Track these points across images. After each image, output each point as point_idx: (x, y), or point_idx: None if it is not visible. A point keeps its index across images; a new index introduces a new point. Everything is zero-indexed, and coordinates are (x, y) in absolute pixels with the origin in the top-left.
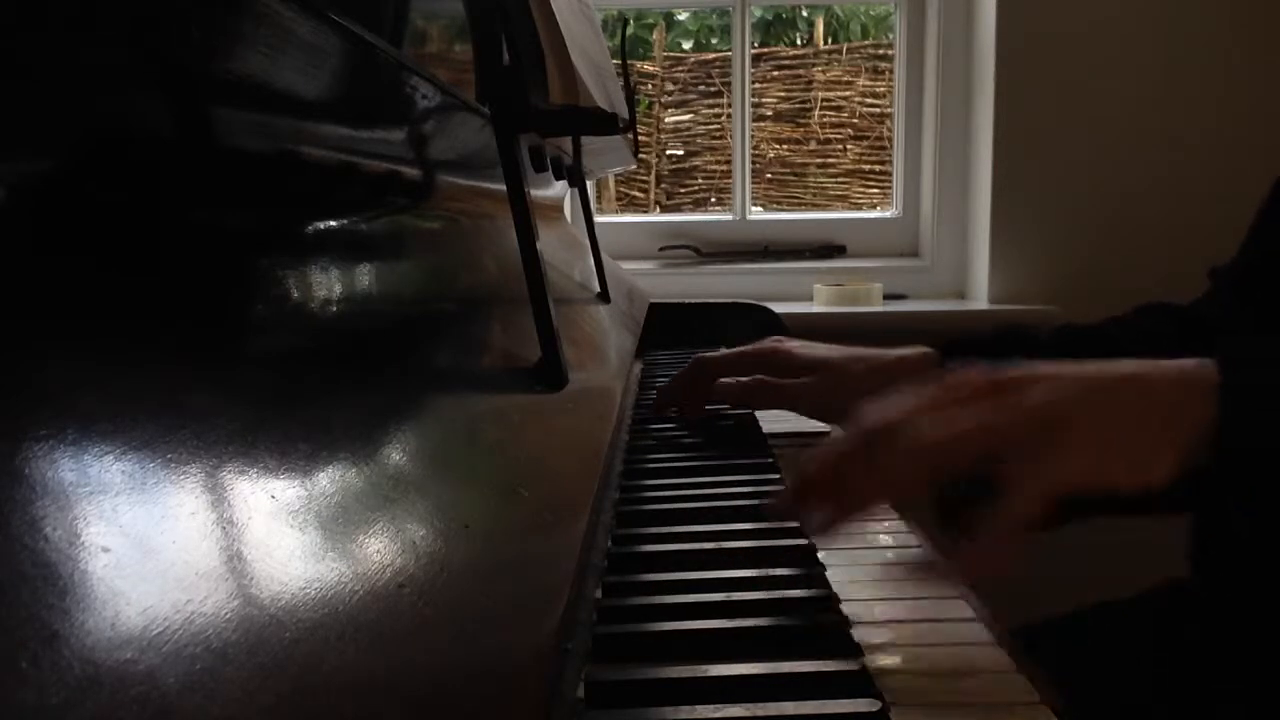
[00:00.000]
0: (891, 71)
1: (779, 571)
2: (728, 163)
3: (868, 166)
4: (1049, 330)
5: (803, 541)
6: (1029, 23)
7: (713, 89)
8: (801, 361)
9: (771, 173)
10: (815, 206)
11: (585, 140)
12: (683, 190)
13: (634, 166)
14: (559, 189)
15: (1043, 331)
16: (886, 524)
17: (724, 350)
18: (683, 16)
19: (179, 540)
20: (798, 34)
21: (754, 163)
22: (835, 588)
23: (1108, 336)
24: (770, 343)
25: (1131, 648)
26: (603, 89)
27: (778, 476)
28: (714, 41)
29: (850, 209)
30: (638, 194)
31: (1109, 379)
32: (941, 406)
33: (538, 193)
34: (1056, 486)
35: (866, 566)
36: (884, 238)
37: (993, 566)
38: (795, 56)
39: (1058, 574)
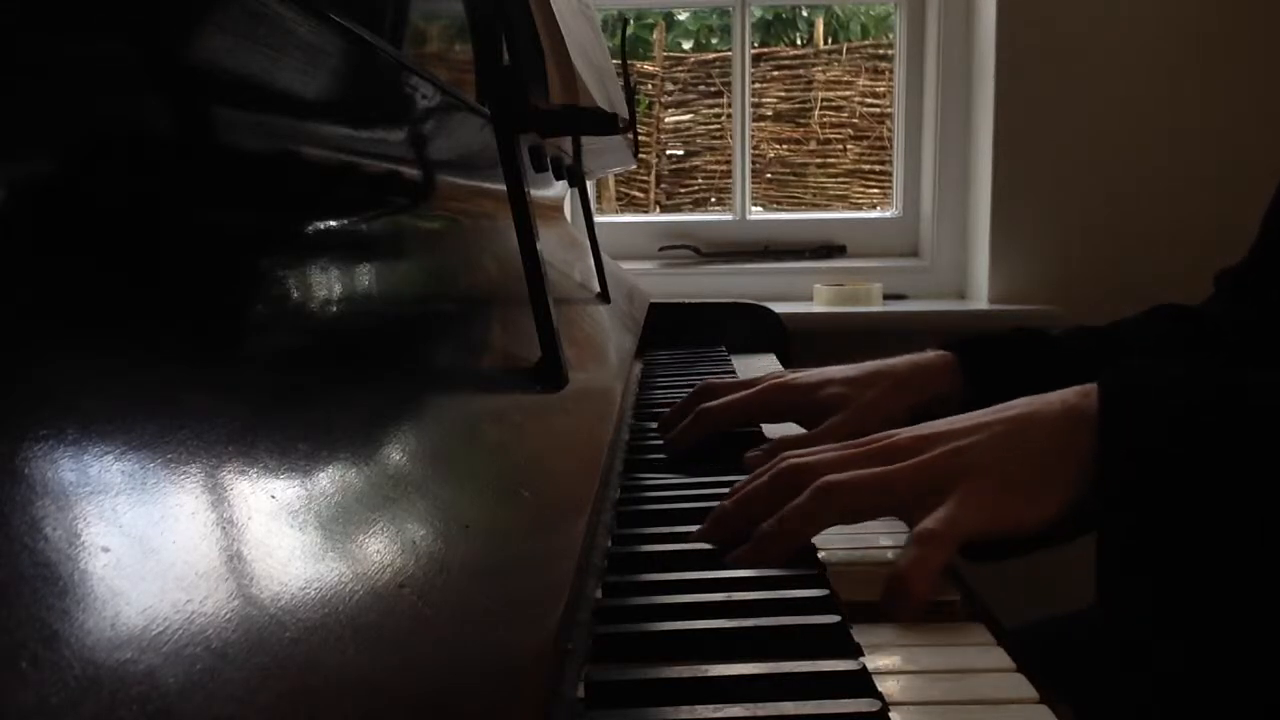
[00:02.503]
0: (891, 71)
1: (779, 572)
2: (728, 163)
3: (868, 166)
4: (1062, 332)
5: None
6: (1029, 23)
7: (713, 89)
8: (817, 400)
9: (771, 173)
10: (815, 206)
11: (585, 140)
12: (683, 190)
13: (634, 166)
14: (559, 189)
15: (1055, 333)
16: (886, 525)
17: (727, 399)
18: (683, 16)
19: (179, 540)
20: (798, 34)
21: (754, 163)
22: (836, 588)
23: (1119, 338)
24: (774, 383)
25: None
26: (603, 89)
27: None
28: (714, 41)
29: (850, 209)
30: (638, 194)
31: (999, 425)
32: (851, 459)
33: (538, 193)
34: (958, 534)
35: (866, 567)
36: (884, 238)
37: (909, 606)
38: (795, 56)
39: (1058, 574)
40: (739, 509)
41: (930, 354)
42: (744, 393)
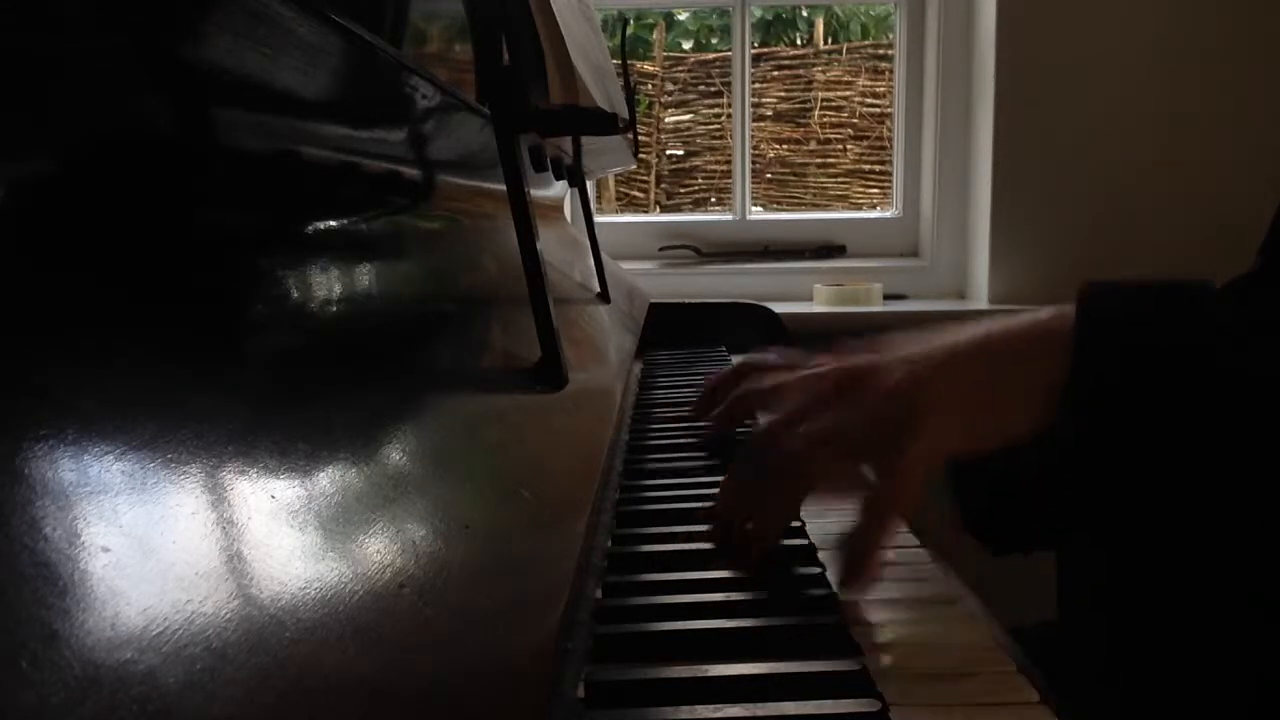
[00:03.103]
0: (891, 71)
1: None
2: (728, 163)
3: (868, 166)
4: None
5: (803, 542)
6: (1029, 23)
7: (713, 89)
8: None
9: (771, 173)
10: (815, 206)
11: (585, 140)
12: (683, 190)
13: (634, 166)
14: (559, 189)
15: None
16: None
17: (771, 380)
18: (683, 16)
19: (179, 540)
20: (798, 34)
21: (754, 163)
22: (835, 587)
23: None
24: (833, 369)
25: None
26: (603, 89)
27: None
28: (714, 41)
29: (850, 209)
30: (638, 194)
31: (958, 349)
32: (803, 415)
33: (538, 193)
34: (927, 459)
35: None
36: (884, 238)
37: (868, 576)
38: (795, 56)
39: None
40: (729, 501)
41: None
42: (789, 377)
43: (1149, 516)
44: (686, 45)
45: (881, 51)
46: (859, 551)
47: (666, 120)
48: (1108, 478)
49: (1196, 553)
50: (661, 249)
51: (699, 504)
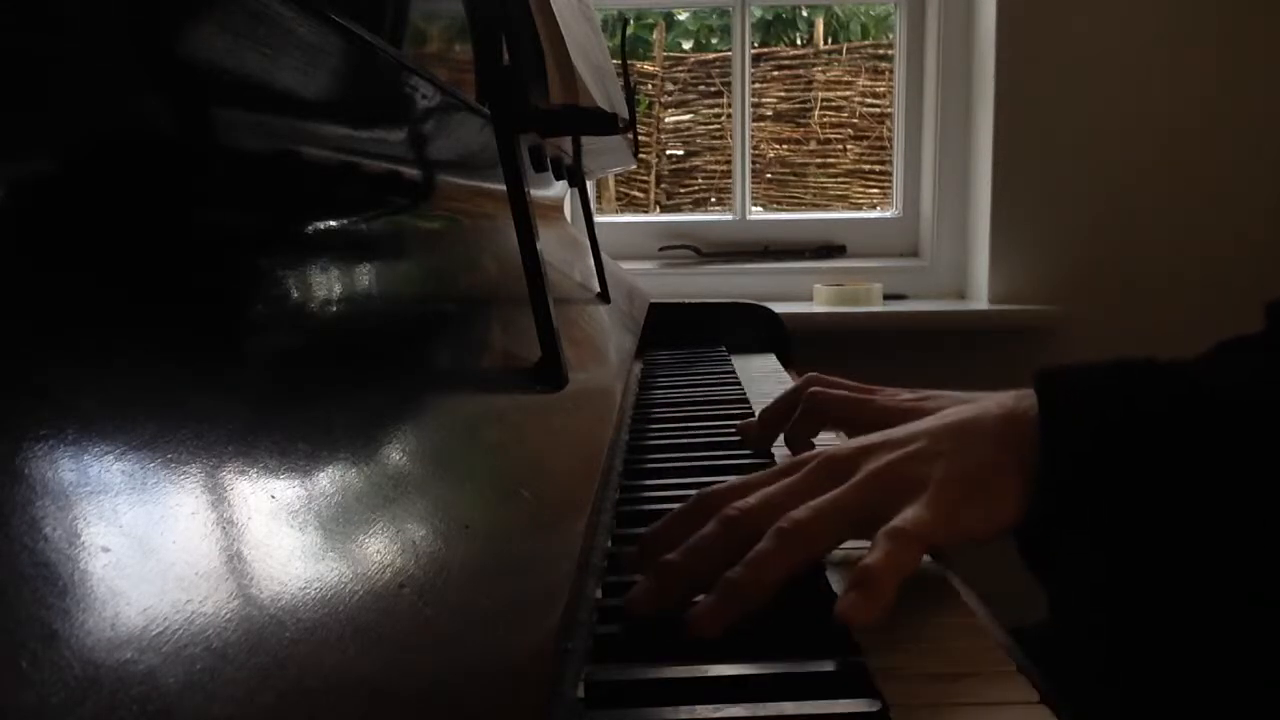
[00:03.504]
0: (891, 71)
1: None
2: (728, 163)
3: (868, 166)
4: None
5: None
6: (1029, 22)
7: (713, 89)
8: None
9: (771, 173)
10: (815, 206)
11: (585, 140)
12: (683, 190)
13: (634, 166)
14: (559, 189)
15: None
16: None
17: (841, 393)
18: (683, 16)
19: (179, 540)
20: (798, 34)
21: (754, 163)
22: (835, 588)
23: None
24: (888, 399)
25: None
26: (603, 89)
27: None
28: (714, 41)
29: (850, 209)
30: (638, 194)
31: (944, 433)
32: (794, 489)
33: (538, 193)
34: (926, 536)
35: None
36: (884, 238)
37: (876, 609)
38: (795, 56)
39: None
40: (690, 560)
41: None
42: (860, 395)
43: (1147, 537)
44: (686, 45)
45: (881, 51)
46: (877, 578)
47: (666, 120)
48: (1098, 541)
49: (1195, 556)
50: (661, 249)
51: None
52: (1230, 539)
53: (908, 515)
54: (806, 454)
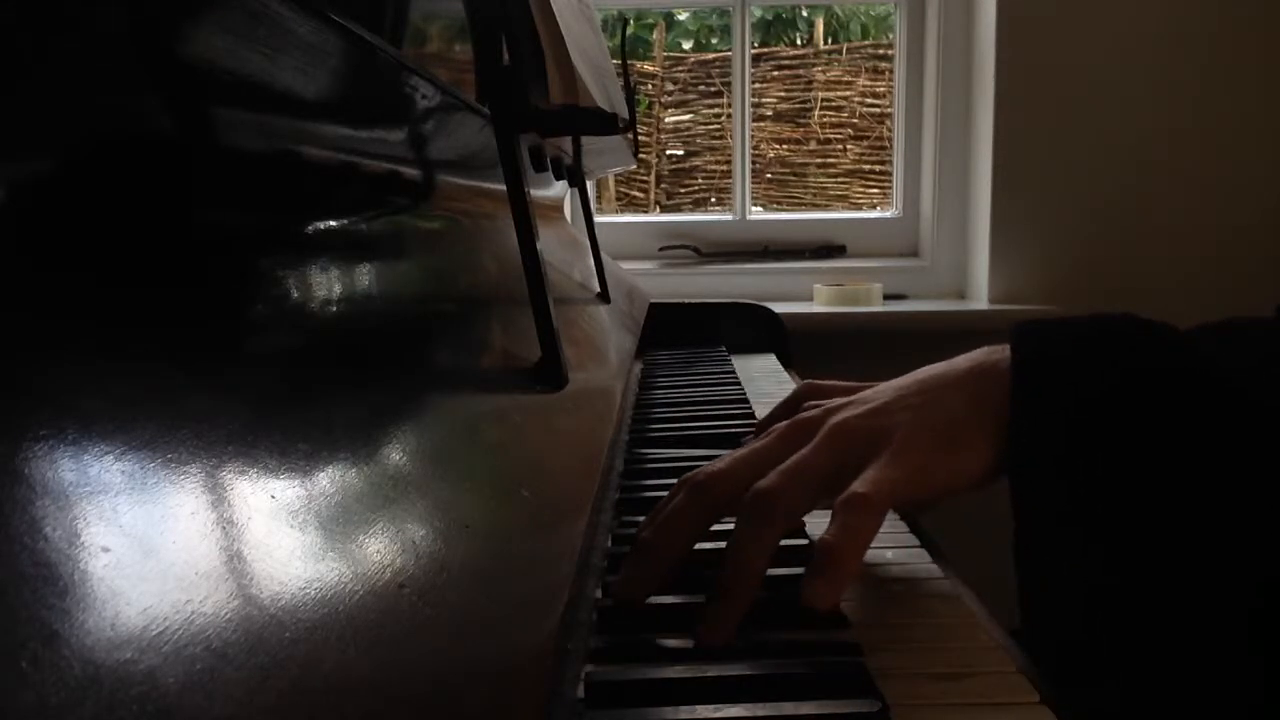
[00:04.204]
0: (891, 71)
1: (778, 571)
2: (728, 163)
3: (868, 166)
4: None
5: (802, 541)
6: (1029, 23)
7: (713, 89)
8: None
9: (771, 173)
10: (815, 206)
11: (585, 140)
12: (683, 190)
13: (634, 166)
14: (559, 189)
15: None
16: (886, 524)
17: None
18: (683, 16)
19: (179, 540)
20: (798, 34)
21: (754, 163)
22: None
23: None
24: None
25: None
26: (603, 89)
27: None
28: (714, 41)
29: (850, 209)
30: (638, 194)
31: (911, 389)
32: (762, 452)
33: (538, 193)
34: (887, 497)
35: (866, 566)
36: (884, 238)
37: (840, 583)
38: (795, 56)
39: None
40: (662, 536)
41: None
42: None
43: (1130, 527)
44: (686, 45)
45: (881, 51)
46: (837, 556)
47: (666, 120)
48: (1073, 504)
49: (1192, 554)
50: (661, 249)
51: None
52: (1222, 517)
53: (867, 477)
54: (779, 422)
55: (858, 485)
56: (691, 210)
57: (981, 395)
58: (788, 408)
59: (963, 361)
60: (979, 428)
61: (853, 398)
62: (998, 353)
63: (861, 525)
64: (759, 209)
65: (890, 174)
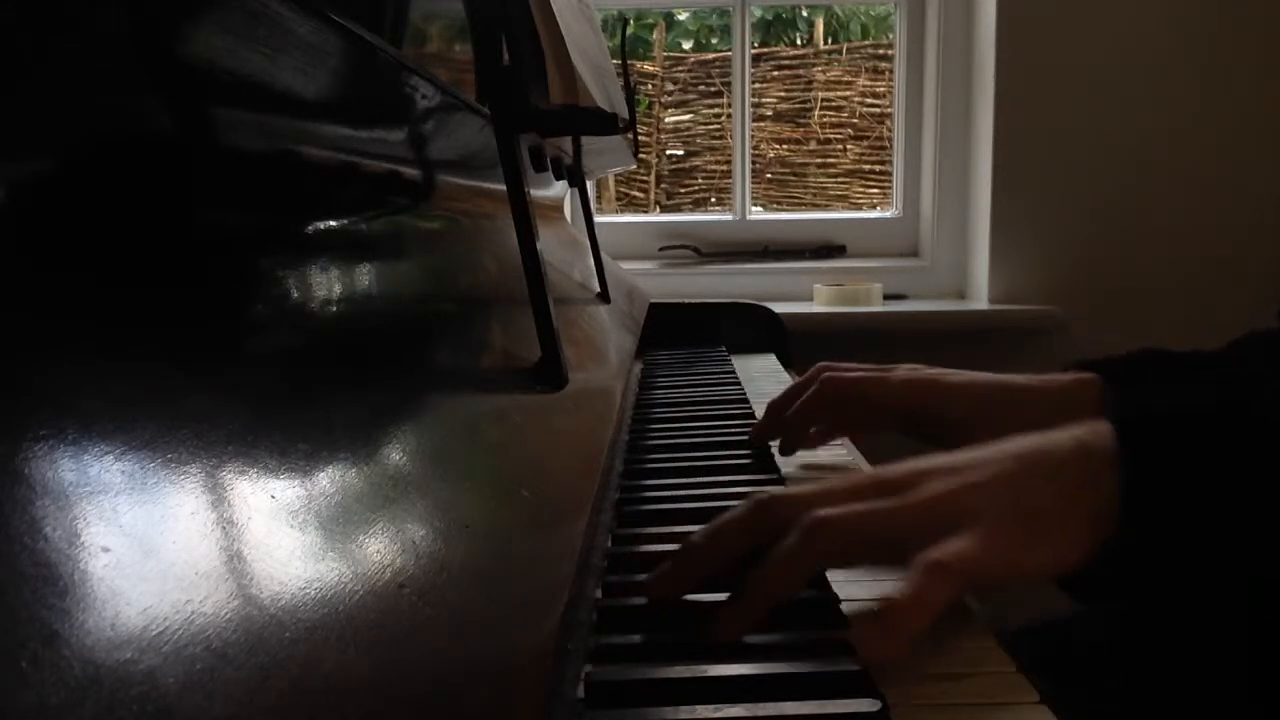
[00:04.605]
0: (891, 71)
1: None
2: (728, 163)
3: (868, 166)
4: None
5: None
6: (1029, 23)
7: (713, 89)
8: (958, 410)
9: (771, 173)
10: (815, 206)
11: (585, 140)
12: (683, 190)
13: (634, 166)
14: (559, 189)
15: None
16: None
17: (855, 372)
18: (683, 16)
19: (179, 540)
20: (798, 34)
21: (754, 163)
22: (835, 588)
23: (1236, 370)
24: (910, 370)
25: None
26: (603, 89)
27: (777, 476)
28: (714, 41)
29: (850, 209)
30: (638, 194)
31: (1009, 463)
32: (838, 493)
33: (538, 193)
34: (968, 571)
35: (867, 568)
36: (884, 238)
37: (898, 643)
38: (795, 56)
39: None
40: (712, 543)
41: (1071, 375)
42: (878, 372)
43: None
44: (686, 45)
45: (881, 51)
46: (901, 613)
47: (666, 120)
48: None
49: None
50: (661, 249)
51: (699, 504)
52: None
53: (950, 547)
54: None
55: (940, 553)
56: (691, 210)
57: (1081, 481)
58: (804, 385)
59: (1066, 441)
60: (1074, 518)
61: (946, 463)
62: (1101, 435)
63: (935, 592)
64: (759, 209)
65: (890, 174)
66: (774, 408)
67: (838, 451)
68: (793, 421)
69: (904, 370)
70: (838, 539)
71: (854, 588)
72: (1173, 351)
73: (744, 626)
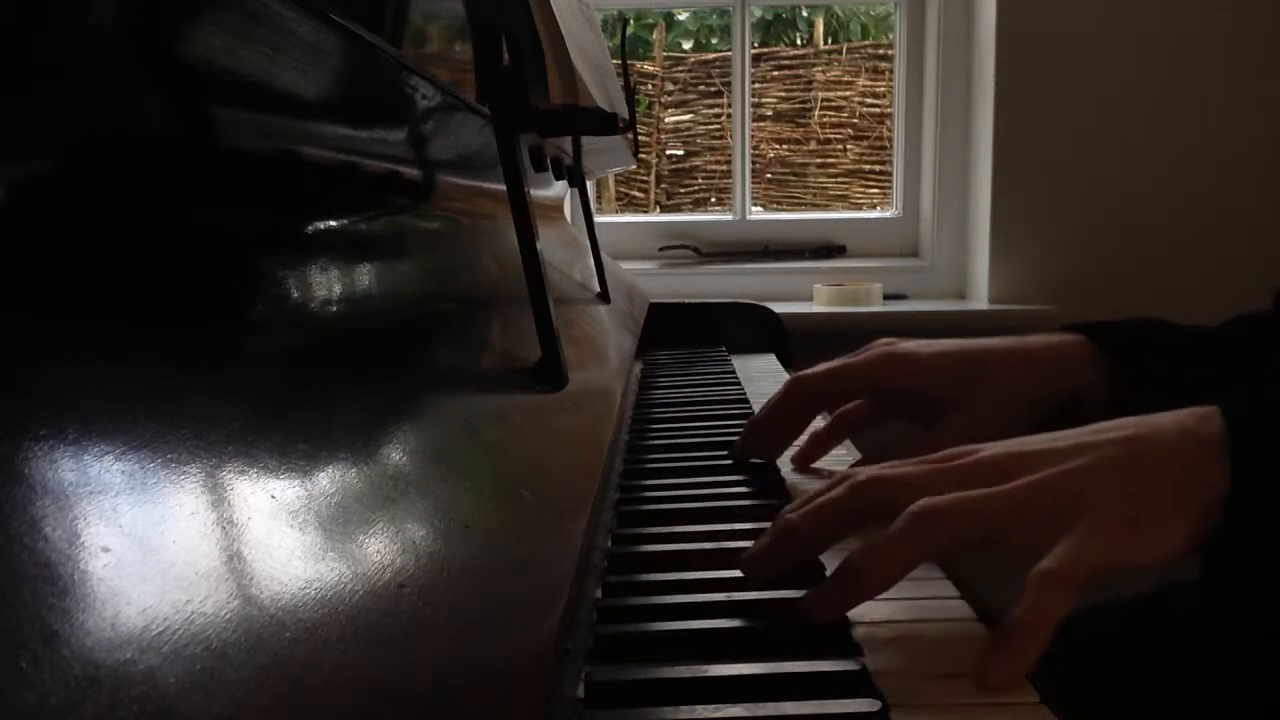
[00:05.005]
0: (891, 71)
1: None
2: (728, 163)
3: (868, 166)
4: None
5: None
6: (1029, 23)
7: (713, 89)
8: (935, 377)
9: (771, 173)
10: (815, 206)
11: (585, 140)
12: (683, 190)
13: (634, 166)
14: (559, 189)
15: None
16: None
17: (823, 366)
18: (683, 16)
19: (179, 540)
20: (798, 34)
21: (754, 163)
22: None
23: (1232, 340)
24: (880, 349)
25: (1133, 647)
26: (603, 89)
27: (779, 476)
28: (714, 41)
29: (850, 209)
30: (638, 194)
31: (1112, 448)
32: (937, 476)
33: (538, 193)
34: (1082, 575)
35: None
36: (884, 238)
37: (1024, 663)
38: (795, 56)
39: None
40: (809, 524)
41: (1056, 336)
42: (846, 360)
43: None
44: (686, 45)
45: (881, 51)
46: (1028, 633)
47: (666, 120)
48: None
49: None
50: (661, 249)
51: (699, 504)
52: None
53: (1060, 553)
54: (954, 449)
55: (1053, 562)
56: (691, 210)
57: (1189, 471)
58: (861, 354)
59: (1172, 427)
60: (1182, 509)
61: (1048, 445)
62: (1209, 421)
63: (1055, 605)
64: (759, 209)
65: (890, 174)
66: (751, 424)
67: (836, 451)
68: (763, 429)
69: (875, 348)
70: (944, 531)
71: None
72: (1170, 322)
73: (836, 611)
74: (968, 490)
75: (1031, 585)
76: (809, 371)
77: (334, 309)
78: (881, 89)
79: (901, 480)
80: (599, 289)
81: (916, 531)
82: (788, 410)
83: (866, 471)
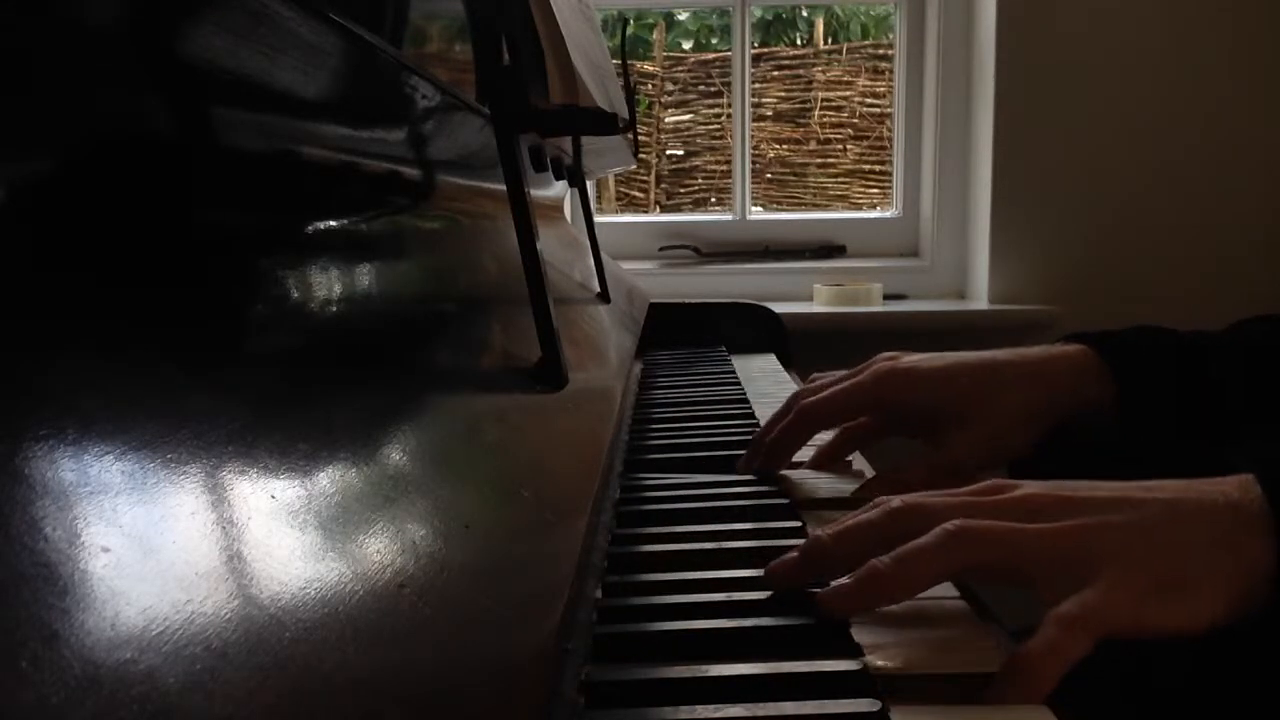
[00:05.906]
0: (891, 71)
1: None
2: (728, 163)
3: (868, 166)
4: (1187, 334)
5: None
6: (1029, 22)
7: (713, 89)
8: (939, 394)
9: (771, 173)
10: (815, 206)
11: (585, 140)
12: (683, 190)
13: (634, 166)
14: (559, 189)
15: (1183, 334)
16: None
17: (825, 381)
18: (683, 16)
19: (179, 540)
20: (798, 34)
21: (754, 163)
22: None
23: (1240, 350)
24: (882, 365)
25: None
26: (603, 89)
27: (779, 475)
28: (714, 41)
29: (850, 209)
30: (638, 194)
31: (1154, 506)
32: (977, 507)
33: (538, 193)
34: (1100, 625)
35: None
36: (884, 238)
37: (1029, 695)
38: (795, 56)
39: None
40: (841, 545)
41: (1059, 348)
42: (849, 382)
43: None
44: (686, 45)
45: (881, 51)
46: (1034, 668)
47: (666, 120)
48: None
49: None
50: (661, 249)
51: (699, 504)
52: None
53: (1081, 599)
54: (995, 482)
55: (1074, 606)
56: (691, 210)
57: (1227, 542)
58: (781, 415)
59: (1214, 495)
60: (1216, 579)
61: (1093, 494)
62: (1251, 490)
63: (1068, 647)
64: (759, 209)
65: (890, 174)
66: (754, 443)
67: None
68: (766, 450)
69: (878, 364)
70: (975, 553)
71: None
72: (1172, 330)
73: (845, 609)
74: (1004, 519)
75: (1048, 623)
76: (812, 398)
77: (334, 309)
78: (881, 89)
79: (939, 509)
80: (599, 289)
81: (948, 547)
82: (791, 433)
83: (903, 498)
